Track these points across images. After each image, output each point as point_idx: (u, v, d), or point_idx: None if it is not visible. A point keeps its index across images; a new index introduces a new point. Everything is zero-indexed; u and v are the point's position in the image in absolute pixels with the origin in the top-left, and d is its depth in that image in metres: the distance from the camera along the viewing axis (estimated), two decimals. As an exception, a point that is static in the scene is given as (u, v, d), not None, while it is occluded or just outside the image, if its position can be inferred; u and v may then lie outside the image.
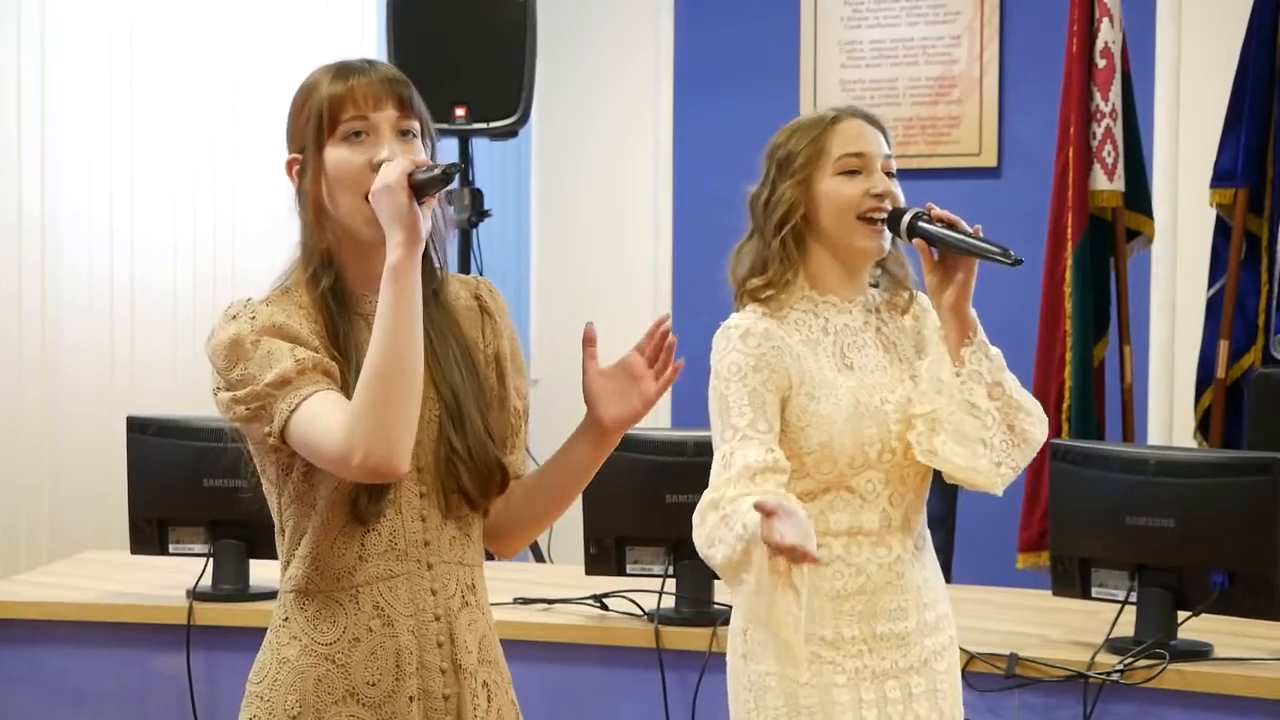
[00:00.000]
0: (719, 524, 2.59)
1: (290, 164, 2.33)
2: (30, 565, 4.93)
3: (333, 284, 2.28)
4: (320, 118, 2.27)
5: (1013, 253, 2.68)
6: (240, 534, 3.99)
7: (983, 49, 6.01)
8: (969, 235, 2.71)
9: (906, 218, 2.72)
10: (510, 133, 5.43)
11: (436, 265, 2.33)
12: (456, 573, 2.31)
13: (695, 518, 2.65)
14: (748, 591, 2.55)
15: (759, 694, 2.75)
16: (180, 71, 5.50)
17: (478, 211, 5.48)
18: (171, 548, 4.04)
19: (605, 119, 6.62)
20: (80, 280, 5.26)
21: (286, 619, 2.30)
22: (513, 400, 2.38)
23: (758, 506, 2.39)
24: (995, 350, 2.75)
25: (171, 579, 4.08)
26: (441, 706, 2.28)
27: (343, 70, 2.29)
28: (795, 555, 2.34)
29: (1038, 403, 2.79)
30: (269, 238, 5.60)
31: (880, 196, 2.73)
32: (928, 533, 2.86)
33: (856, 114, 2.81)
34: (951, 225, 2.71)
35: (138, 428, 4.07)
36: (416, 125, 2.27)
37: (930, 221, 2.71)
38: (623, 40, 6.58)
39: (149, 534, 4.04)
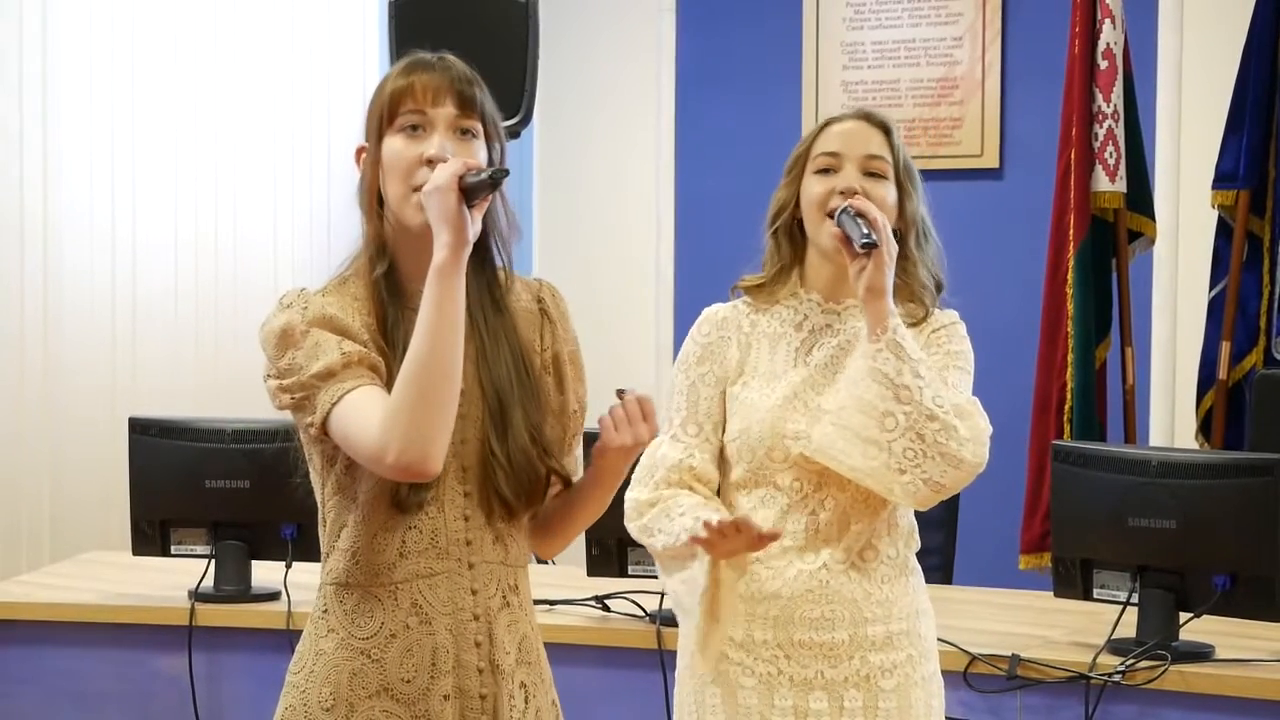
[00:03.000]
0: (658, 515, 2.73)
1: (358, 152, 2.35)
2: (32, 566, 4.93)
3: (387, 272, 2.30)
4: (382, 109, 2.29)
5: (867, 241, 2.63)
6: (242, 535, 4.00)
7: (985, 50, 6.01)
8: (858, 223, 2.66)
9: (839, 211, 2.70)
10: (512, 134, 5.43)
11: (500, 267, 2.35)
12: (498, 573, 2.32)
13: (629, 510, 2.77)
14: (684, 579, 2.68)
15: (680, 688, 2.85)
16: (182, 72, 5.50)
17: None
18: (173, 549, 4.04)
19: (607, 120, 6.62)
20: (82, 281, 5.26)
21: (326, 610, 2.31)
22: (572, 404, 2.39)
23: (705, 526, 2.51)
24: (920, 357, 2.66)
25: (173, 580, 4.08)
26: (478, 705, 2.29)
27: (411, 65, 2.31)
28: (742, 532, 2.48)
29: (978, 425, 2.68)
30: (269, 239, 5.61)
31: (844, 194, 2.72)
32: (904, 549, 2.79)
33: (853, 115, 2.82)
34: (862, 215, 2.67)
35: (139, 429, 4.08)
36: (478, 125, 2.29)
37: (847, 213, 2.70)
38: (625, 41, 6.58)
39: (151, 535, 4.05)
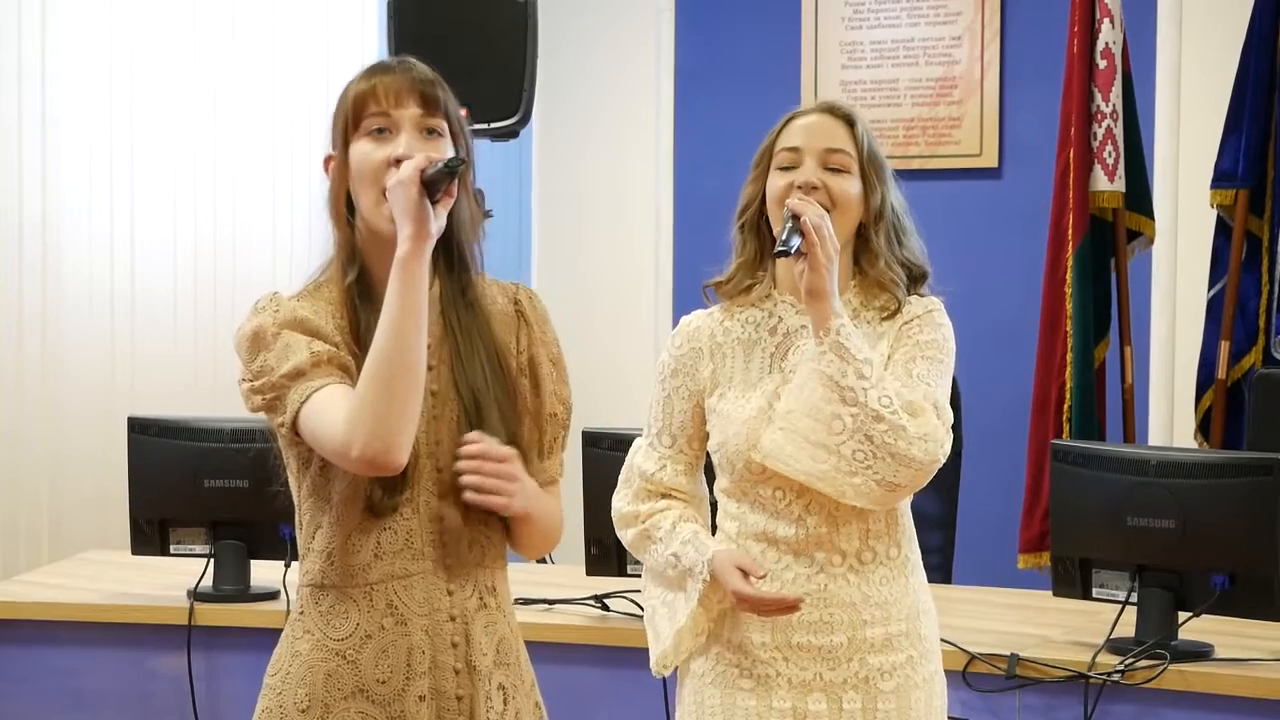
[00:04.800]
0: (640, 538, 2.79)
1: (326, 160, 2.35)
2: (30, 565, 4.93)
3: (358, 277, 2.31)
4: (347, 115, 2.30)
5: (782, 248, 2.60)
6: (241, 534, 4.00)
7: (983, 50, 6.01)
8: (786, 225, 2.63)
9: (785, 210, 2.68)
10: (511, 133, 5.43)
11: (470, 267, 2.35)
12: (475, 574, 2.32)
13: (615, 520, 2.83)
14: (666, 600, 2.76)
15: (680, 688, 2.84)
16: (181, 72, 5.50)
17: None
18: (172, 548, 4.04)
19: (606, 119, 6.62)
20: (81, 281, 5.26)
21: (302, 612, 2.32)
22: (550, 407, 2.39)
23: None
24: (867, 358, 2.61)
25: (172, 579, 4.08)
26: (454, 706, 2.29)
27: (373, 69, 2.32)
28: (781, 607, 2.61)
29: (931, 422, 2.63)
30: (269, 239, 5.60)
31: (803, 189, 2.69)
32: (905, 551, 2.76)
33: (817, 109, 2.80)
34: (796, 217, 2.63)
35: (139, 428, 4.08)
36: (443, 124, 2.29)
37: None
38: (623, 41, 6.58)
39: (150, 534, 4.05)
